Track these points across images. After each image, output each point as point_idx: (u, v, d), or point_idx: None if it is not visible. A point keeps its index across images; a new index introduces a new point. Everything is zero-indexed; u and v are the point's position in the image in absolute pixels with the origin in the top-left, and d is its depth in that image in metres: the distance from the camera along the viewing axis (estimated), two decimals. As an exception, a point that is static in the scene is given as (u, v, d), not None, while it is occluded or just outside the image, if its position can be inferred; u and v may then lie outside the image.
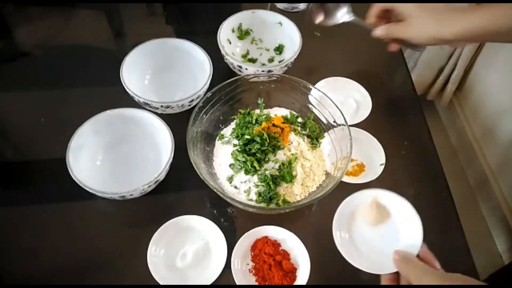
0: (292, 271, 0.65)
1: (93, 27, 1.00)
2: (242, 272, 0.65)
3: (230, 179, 0.71)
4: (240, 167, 0.70)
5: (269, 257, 0.65)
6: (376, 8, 0.71)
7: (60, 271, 0.66)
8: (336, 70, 0.89)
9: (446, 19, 0.62)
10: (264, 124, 0.71)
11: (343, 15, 0.74)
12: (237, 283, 0.63)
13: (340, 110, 0.71)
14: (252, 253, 0.67)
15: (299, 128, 0.76)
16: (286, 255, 0.67)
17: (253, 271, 0.65)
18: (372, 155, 0.78)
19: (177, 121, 0.74)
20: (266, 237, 0.68)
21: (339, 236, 0.59)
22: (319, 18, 0.77)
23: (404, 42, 0.69)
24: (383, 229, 0.59)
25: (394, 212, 0.59)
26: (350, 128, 0.70)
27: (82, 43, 0.96)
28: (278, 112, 0.78)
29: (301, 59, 0.84)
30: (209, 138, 0.76)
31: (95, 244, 0.69)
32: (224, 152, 0.74)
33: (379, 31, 0.70)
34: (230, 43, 0.90)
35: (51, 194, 0.73)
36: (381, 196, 0.60)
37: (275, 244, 0.67)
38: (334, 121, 0.73)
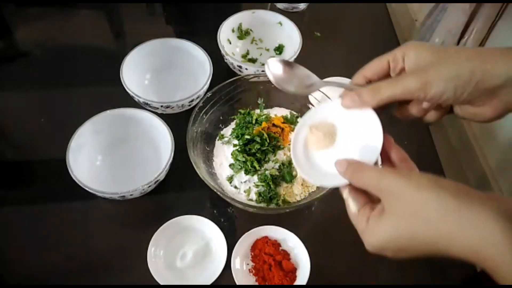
0: (292, 271, 0.65)
1: (93, 27, 1.00)
2: (242, 272, 0.65)
3: (230, 179, 0.71)
4: (240, 167, 0.70)
5: (269, 257, 0.65)
6: (379, 60, 0.45)
7: (60, 271, 0.66)
8: (336, 70, 0.89)
9: (490, 51, 0.40)
10: (264, 124, 0.71)
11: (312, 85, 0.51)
12: (237, 283, 0.63)
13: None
14: (252, 253, 0.67)
15: (299, 128, 0.76)
16: (286, 255, 0.67)
17: (253, 271, 0.65)
18: (372, 155, 0.78)
19: (177, 121, 0.74)
20: (266, 237, 0.68)
21: (299, 157, 0.49)
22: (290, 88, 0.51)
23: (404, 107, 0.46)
24: (340, 142, 0.47)
25: (343, 122, 0.48)
26: (350, 128, 0.69)
27: (82, 43, 0.96)
28: (278, 112, 0.78)
29: (301, 59, 0.84)
30: (209, 138, 0.76)
31: (95, 244, 0.69)
32: (224, 152, 0.74)
33: (366, 94, 0.43)
34: (230, 43, 0.90)
35: (51, 194, 0.73)
36: (319, 117, 0.49)
37: (275, 244, 0.67)
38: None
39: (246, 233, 0.67)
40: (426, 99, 0.41)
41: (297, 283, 0.64)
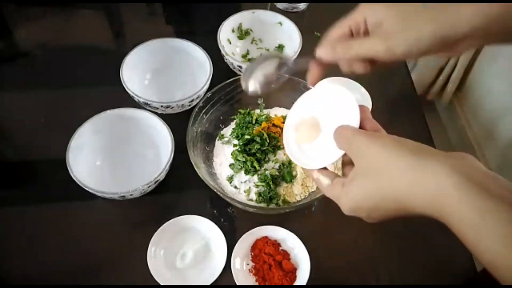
0: (292, 271, 0.65)
1: (93, 27, 1.00)
2: (242, 272, 0.65)
3: (230, 179, 0.71)
4: (240, 167, 0.70)
5: (269, 257, 0.66)
6: (341, 27, 0.49)
7: (60, 271, 0.66)
8: (336, 70, 0.88)
9: (451, 7, 0.41)
10: (264, 124, 0.71)
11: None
12: (237, 283, 0.64)
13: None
14: (252, 253, 0.67)
15: (299, 128, 0.76)
16: (286, 255, 0.67)
17: (253, 271, 0.66)
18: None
19: (177, 121, 0.74)
20: (266, 237, 0.68)
21: (295, 153, 0.52)
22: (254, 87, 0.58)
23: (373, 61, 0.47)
24: (324, 129, 0.49)
25: (323, 110, 0.50)
26: (350, 128, 0.69)
27: (82, 43, 0.96)
28: (278, 112, 0.78)
29: (301, 59, 0.84)
30: (209, 138, 0.76)
31: (95, 244, 0.69)
32: (224, 152, 0.74)
33: (340, 47, 0.48)
34: (230, 43, 0.90)
35: (51, 194, 0.73)
36: (299, 115, 0.52)
37: (275, 244, 0.67)
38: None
39: (246, 233, 0.67)
40: (391, 60, 0.44)
41: (297, 283, 0.64)
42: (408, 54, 0.43)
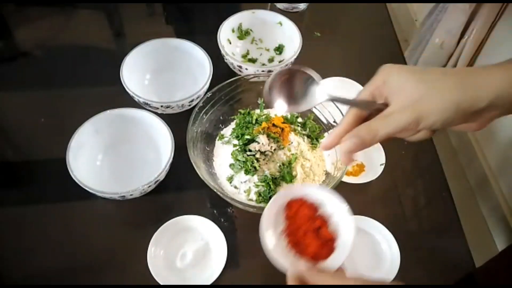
0: (331, 240, 0.51)
1: (93, 27, 1.00)
2: (270, 236, 0.51)
3: (230, 179, 0.71)
4: (240, 167, 0.70)
5: (307, 222, 0.52)
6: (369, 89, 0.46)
7: (60, 271, 0.66)
8: (336, 70, 0.89)
9: (470, 76, 0.42)
10: (264, 124, 0.71)
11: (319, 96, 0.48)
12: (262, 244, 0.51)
13: (340, 110, 0.71)
14: (285, 214, 0.53)
15: (299, 128, 0.76)
16: (324, 222, 0.52)
17: (286, 233, 0.52)
18: (372, 155, 0.78)
19: (177, 121, 0.74)
20: (301, 199, 0.54)
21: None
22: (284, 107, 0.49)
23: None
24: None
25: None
26: (350, 128, 0.69)
27: (82, 43, 0.96)
28: (278, 112, 0.78)
29: (301, 59, 0.84)
30: (209, 138, 0.76)
31: (95, 244, 0.69)
32: (224, 152, 0.74)
33: (366, 136, 0.43)
34: (230, 43, 0.90)
35: (51, 194, 0.73)
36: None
37: (312, 208, 0.53)
38: (334, 121, 0.73)
39: (275, 196, 0.54)
40: (417, 130, 0.43)
41: (335, 255, 0.50)
42: (432, 124, 0.42)
